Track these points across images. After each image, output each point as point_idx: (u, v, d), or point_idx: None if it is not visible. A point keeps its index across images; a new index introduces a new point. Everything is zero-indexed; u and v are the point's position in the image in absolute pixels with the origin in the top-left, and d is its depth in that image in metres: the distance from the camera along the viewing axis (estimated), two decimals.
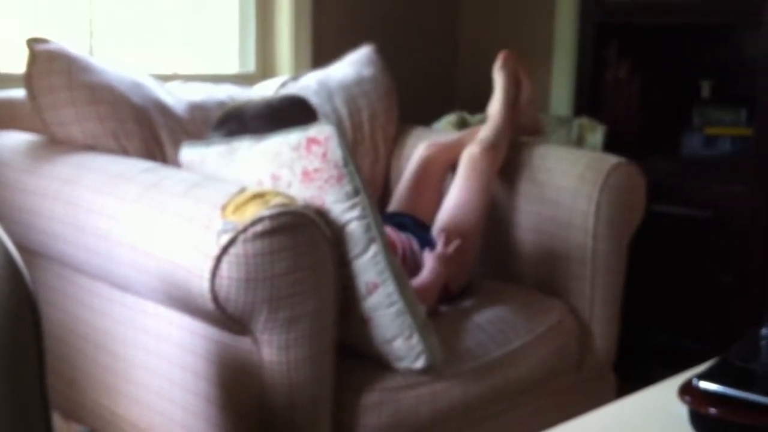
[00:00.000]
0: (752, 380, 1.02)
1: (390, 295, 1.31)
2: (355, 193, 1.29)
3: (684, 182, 2.29)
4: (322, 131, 1.30)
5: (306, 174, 1.29)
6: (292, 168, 1.30)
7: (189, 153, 1.47)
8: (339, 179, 1.28)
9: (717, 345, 2.16)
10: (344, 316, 1.33)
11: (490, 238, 1.83)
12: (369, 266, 1.30)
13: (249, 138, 1.39)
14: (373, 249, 1.30)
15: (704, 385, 1.01)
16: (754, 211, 2.17)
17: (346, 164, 1.29)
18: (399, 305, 1.32)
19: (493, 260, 1.87)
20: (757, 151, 2.16)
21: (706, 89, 2.52)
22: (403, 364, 1.36)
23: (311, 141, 1.30)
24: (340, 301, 1.31)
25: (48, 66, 1.54)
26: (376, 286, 1.31)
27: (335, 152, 1.29)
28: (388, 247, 1.33)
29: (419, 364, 1.36)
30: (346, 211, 1.29)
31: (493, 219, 1.83)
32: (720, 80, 2.52)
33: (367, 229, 1.29)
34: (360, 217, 1.29)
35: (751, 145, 2.22)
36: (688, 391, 1.02)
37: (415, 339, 1.34)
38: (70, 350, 1.57)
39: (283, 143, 1.32)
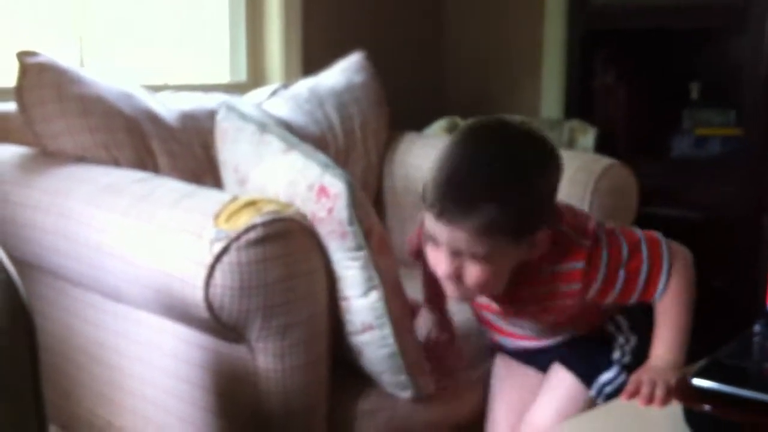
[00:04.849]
0: (745, 377, 1.02)
1: (384, 338, 1.28)
2: (358, 248, 1.24)
3: (674, 184, 2.30)
4: (335, 185, 1.23)
5: (314, 218, 1.25)
6: (304, 205, 1.26)
7: (226, 118, 1.42)
8: (342, 236, 1.23)
9: (708, 346, 2.17)
10: (339, 337, 1.31)
11: None
12: (366, 309, 1.27)
13: (279, 140, 1.36)
14: (374, 296, 1.26)
15: (698, 382, 1.01)
16: (744, 212, 2.18)
17: (351, 223, 1.23)
18: (391, 348, 1.28)
19: None
20: (747, 151, 2.17)
21: (695, 91, 2.53)
22: (391, 391, 1.35)
23: (322, 190, 1.24)
24: (335, 317, 1.30)
25: (38, 79, 1.54)
26: (371, 327, 1.28)
27: (341, 212, 1.22)
28: (392, 296, 1.28)
29: (407, 395, 1.35)
30: (348, 259, 1.25)
31: None
32: (708, 82, 2.53)
33: (369, 278, 1.25)
34: (362, 267, 1.25)
35: (740, 145, 2.23)
36: (682, 388, 1.02)
37: (403, 377, 1.32)
38: (65, 361, 1.56)
39: (301, 175, 1.27)
